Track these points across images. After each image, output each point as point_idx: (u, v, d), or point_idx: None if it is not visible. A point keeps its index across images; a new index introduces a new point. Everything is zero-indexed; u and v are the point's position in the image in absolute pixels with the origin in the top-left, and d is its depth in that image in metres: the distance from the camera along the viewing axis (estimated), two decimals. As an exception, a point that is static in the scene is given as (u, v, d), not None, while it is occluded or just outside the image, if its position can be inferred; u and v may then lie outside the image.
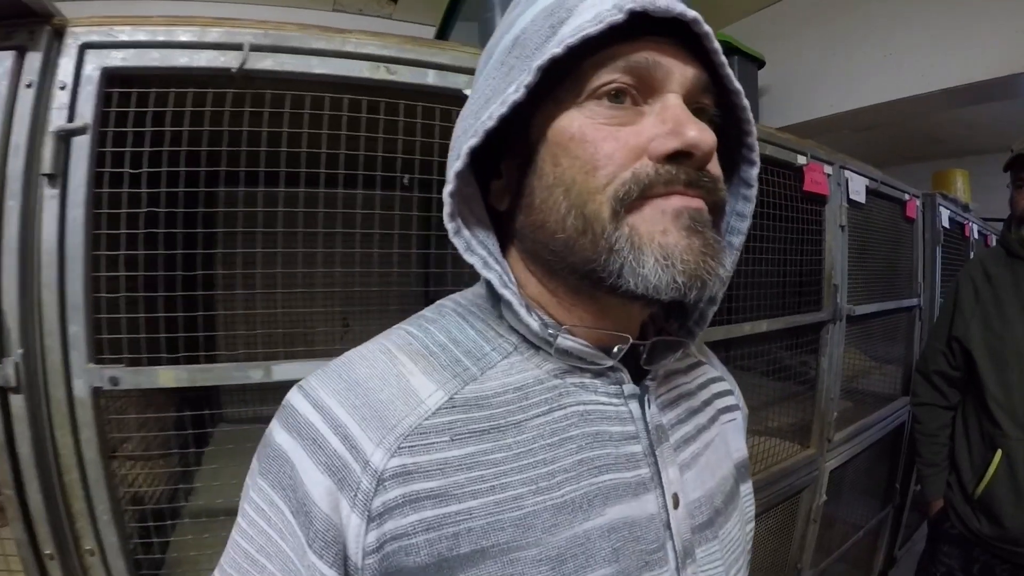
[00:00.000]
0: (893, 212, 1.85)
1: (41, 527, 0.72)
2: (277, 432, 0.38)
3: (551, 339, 0.41)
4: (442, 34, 1.50)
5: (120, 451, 1.09)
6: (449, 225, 0.40)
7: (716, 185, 0.39)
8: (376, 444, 0.36)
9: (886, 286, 1.80)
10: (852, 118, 2.02)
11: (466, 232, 0.40)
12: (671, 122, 0.36)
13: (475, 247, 0.41)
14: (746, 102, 0.42)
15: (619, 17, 0.34)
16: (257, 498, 0.37)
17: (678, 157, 0.36)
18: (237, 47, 0.71)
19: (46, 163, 0.68)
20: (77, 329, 0.71)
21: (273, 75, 0.74)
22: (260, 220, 0.80)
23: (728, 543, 0.47)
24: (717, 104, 0.42)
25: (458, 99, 0.81)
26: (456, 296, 0.47)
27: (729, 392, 0.57)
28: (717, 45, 0.39)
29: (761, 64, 1.85)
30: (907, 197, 1.86)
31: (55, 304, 0.70)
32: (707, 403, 0.52)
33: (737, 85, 0.41)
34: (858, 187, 1.54)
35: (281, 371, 0.76)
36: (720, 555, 0.45)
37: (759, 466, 1.37)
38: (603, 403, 0.42)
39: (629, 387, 0.43)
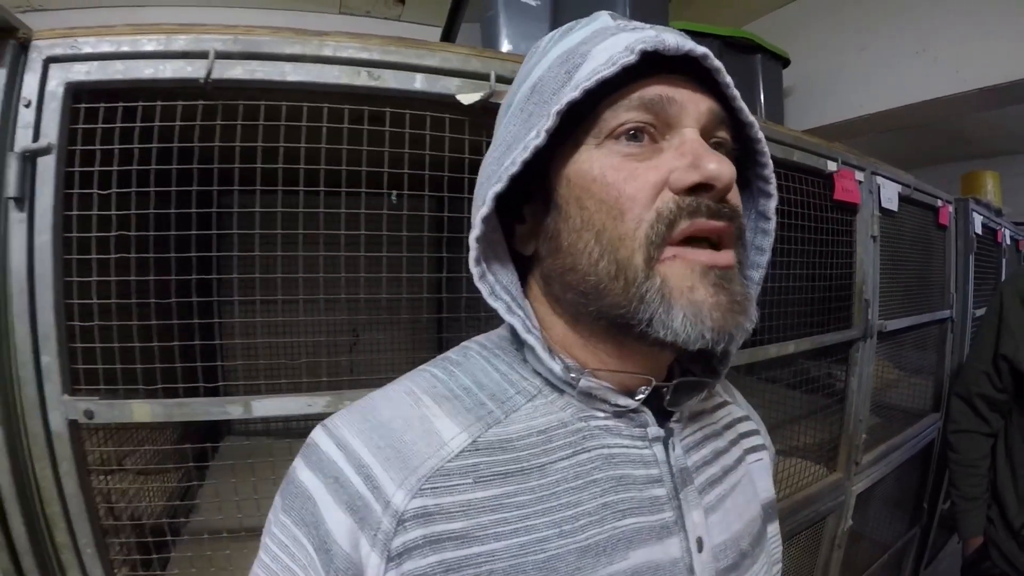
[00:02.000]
0: (925, 219, 1.74)
1: (26, 558, 0.70)
2: (300, 469, 0.38)
3: (573, 382, 0.41)
4: (447, 36, 1.45)
5: (124, 464, 1.08)
6: (475, 269, 0.41)
7: (736, 213, 0.40)
8: (398, 485, 0.36)
9: (918, 298, 1.69)
10: (882, 120, 1.90)
11: (490, 277, 0.41)
12: (690, 155, 0.37)
13: (499, 292, 0.42)
14: (761, 134, 0.42)
15: (631, 59, 0.36)
16: (280, 533, 0.38)
17: (698, 190, 0.37)
18: (204, 55, 0.66)
19: (11, 186, 0.64)
20: (49, 360, 0.67)
21: (244, 84, 0.69)
22: (257, 240, 0.75)
23: None
24: (733, 138, 0.42)
25: (451, 105, 0.75)
26: (481, 338, 0.48)
27: (755, 432, 0.57)
28: (729, 79, 0.40)
29: (786, 63, 1.74)
30: (939, 203, 1.75)
31: (27, 334, 0.66)
32: (733, 443, 0.52)
33: (751, 118, 0.42)
34: (890, 194, 1.44)
35: (261, 407, 0.72)
36: None
37: (784, 491, 1.29)
38: (627, 446, 0.42)
39: (653, 430, 0.43)
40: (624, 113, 0.38)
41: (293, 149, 0.70)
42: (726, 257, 0.38)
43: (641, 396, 0.42)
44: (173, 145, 0.70)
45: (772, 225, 0.45)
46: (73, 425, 0.68)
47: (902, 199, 1.50)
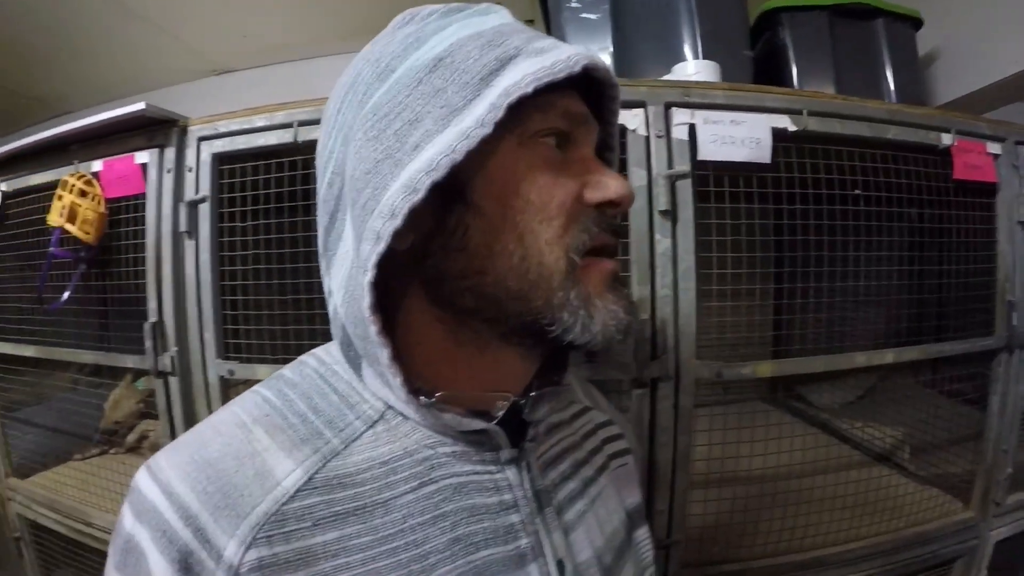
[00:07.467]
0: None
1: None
2: (127, 518, 0.36)
3: (417, 412, 0.39)
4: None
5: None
6: (367, 311, 0.36)
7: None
8: (229, 536, 0.33)
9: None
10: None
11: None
12: (597, 172, 0.40)
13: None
14: (616, 141, 0.48)
15: (576, 70, 0.36)
16: None
17: (604, 205, 0.39)
18: (289, 125, 0.94)
19: (181, 224, 1.00)
20: (209, 335, 1.02)
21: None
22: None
23: None
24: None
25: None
26: (320, 352, 0.45)
27: (619, 436, 0.56)
28: (617, 106, 0.45)
29: (917, 24, 1.43)
30: None
31: (196, 317, 1.02)
32: (595, 452, 0.52)
33: (616, 138, 0.47)
34: (1047, 167, 1.13)
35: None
36: None
37: (899, 522, 1.14)
38: (478, 472, 0.41)
39: (506, 452, 0.41)
40: (552, 120, 0.38)
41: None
42: (617, 264, 0.41)
43: (498, 415, 0.40)
44: (284, 189, 0.99)
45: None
46: (223, 379, 1.03)
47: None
